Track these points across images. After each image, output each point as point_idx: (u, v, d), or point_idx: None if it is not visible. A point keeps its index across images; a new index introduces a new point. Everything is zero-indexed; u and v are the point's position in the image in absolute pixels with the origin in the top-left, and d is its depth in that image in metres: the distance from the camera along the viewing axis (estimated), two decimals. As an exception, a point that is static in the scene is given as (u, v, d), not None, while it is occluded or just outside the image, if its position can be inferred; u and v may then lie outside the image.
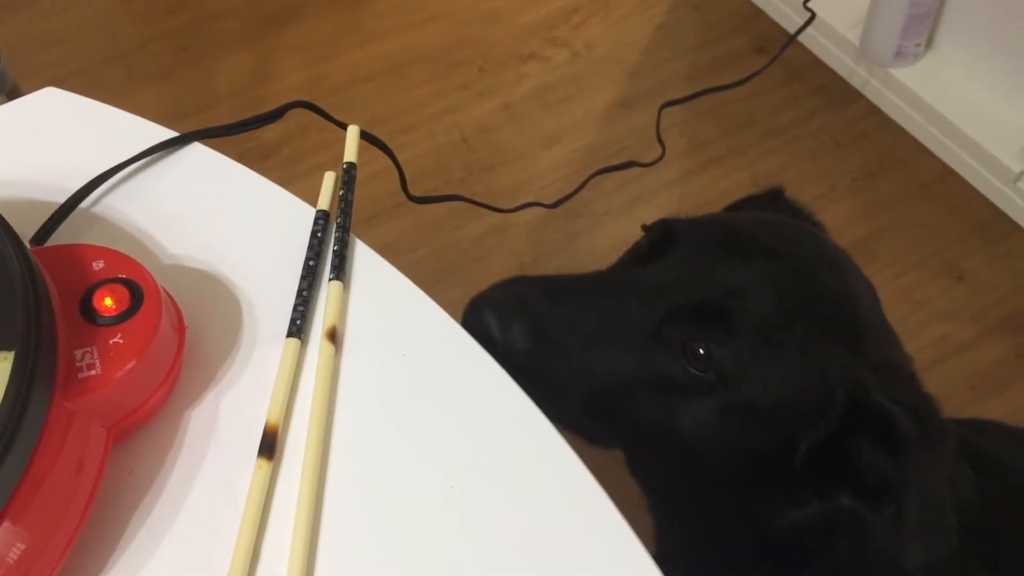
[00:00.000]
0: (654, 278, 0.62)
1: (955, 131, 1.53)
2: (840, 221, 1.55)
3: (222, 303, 0.52)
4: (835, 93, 1.71)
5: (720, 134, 1.66)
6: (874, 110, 1.67)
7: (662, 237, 0.65)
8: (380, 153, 0.66)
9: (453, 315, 0.52)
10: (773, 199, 0.74)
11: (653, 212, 1.55)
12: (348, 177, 0.56)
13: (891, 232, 1.53)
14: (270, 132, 1.57)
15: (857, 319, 0.62)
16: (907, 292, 1.46)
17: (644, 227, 0.69)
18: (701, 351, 0.58)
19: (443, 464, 0.46)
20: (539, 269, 1.50)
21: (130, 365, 0.44)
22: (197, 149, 0.59)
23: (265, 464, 0.45)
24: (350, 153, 0.57)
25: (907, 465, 0.56)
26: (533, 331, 0.59)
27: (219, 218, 0.55)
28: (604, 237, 1.53)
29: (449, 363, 0.50)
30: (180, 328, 0.49)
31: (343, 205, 0.55)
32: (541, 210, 1.53)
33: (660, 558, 0.43)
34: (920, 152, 1.61)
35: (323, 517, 0.44)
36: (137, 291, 0.46)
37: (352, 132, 0.58)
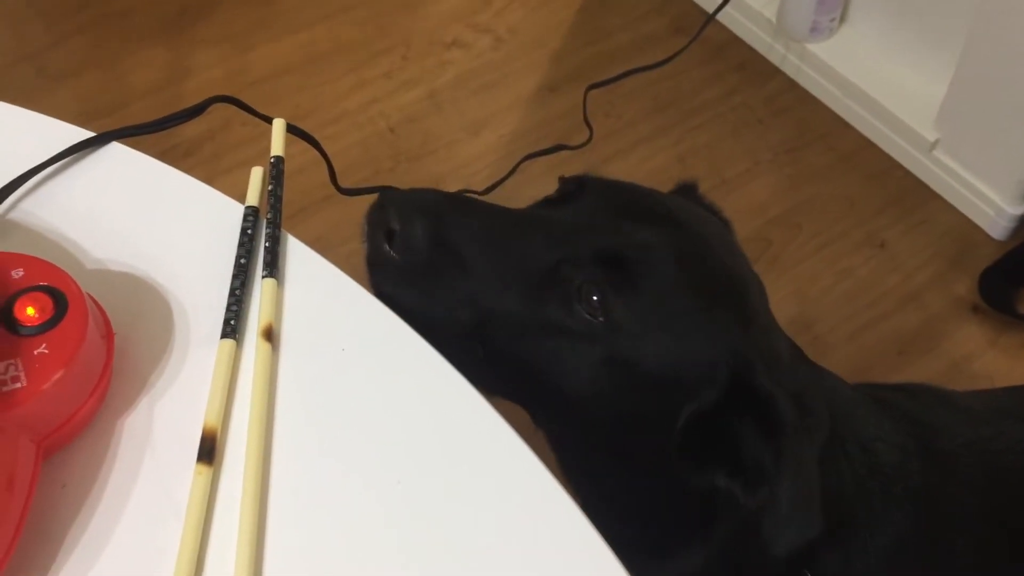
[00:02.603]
0: (562, 219, 0.63)
1: (871, 103, 1.57)
2: (764, 195, 1.58)
3: (151, 306, 0.50)
4: (755, 69, 1.73)
5: (645, 114, 1.67)
6: (793, 85, 1.70)
7: (575, 187, 0.66)
8: (307, 146, 0.65)
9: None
10: (685, 194, 0.75)
11: (583, 194, 1.55)
12: (276, 171, 0.55)
13: (814, 204, 1.56)
14: (192, 129, 1.53)
15: (747, 302, 0.63)
16: (832, 262, 1.49)
17: (560, 178, 0.69)
18: (595, 296, 0.59)
19: (388, 460, 0.46)
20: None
21: (57, 376, 0.43)
22: (116, 149, 0.57)
23: (205, 470, 0.44)
24: (277, 147, 0.56)
25: (784, 451, 0.57)
26: (433, 237, 0.59)
27: (143, 219, 0.54)
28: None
29: (390, 356, 0.49)
30: (108, 335, 0.47)
31: (272, 200, 0.53)
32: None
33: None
34: (839, 125, 1.65)
35: (268, 521, 0.43)
36: (60, 298, 0.45)
37: (278, 125, 0.57)
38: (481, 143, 1.64)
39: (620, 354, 0.59)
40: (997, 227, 1.46)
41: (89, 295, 0.46)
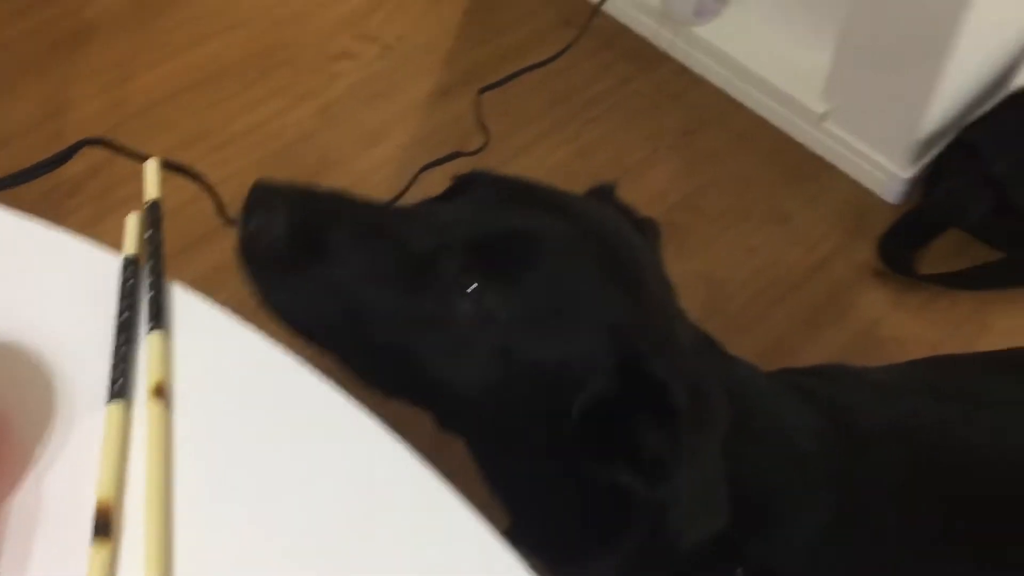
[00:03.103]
0: (442, 211, 0.61)
1: (760, 81, 1.59)
2: (666, 180, 1.59)
3: (30, 374, 0.47)
4: (645, 57, 1.74)
5: (541, 110, 1.66)
6: (683, 69, 1.72)
7: (462, 183, 0.65)
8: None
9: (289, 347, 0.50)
10: (601, 197, 0.74)
11: (487, 197, 1.54)
12: (154, 216, 0.52)
13: (715, 186, 1.58)
14: (73, 166, 1.47)
15: (641, 290, 0.62)
16: (738, 241, 1.51)
17: (453, 177, 0.68)
18: (473, 286, 0.57)
19: (300, 515, 0.43)
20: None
21: (-72, 465, 0.40)
22: (-25, 208, 0.53)
23: (102, 547, 0.41)
24: (151, 190, 0.53)
25: (681, 442, 0.56)
26: (298, 226, 0.56)
27: (12, 280, 0.50)
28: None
29: (293, 403, 0.47)
30: (-17, 413, 0.44)
31: (152, 247, 0.51)
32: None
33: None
34: (730, 105, 1.67)
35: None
36: (-76, 381, 0.41)
37: (151, 167, 0.54)
38: (378, 155, 1.61)
39: (503, 345, 0.58)
40: (891, 191, 1.50)
41: (-43, 373, 0.43)
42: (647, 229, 0.74)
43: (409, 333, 0.58)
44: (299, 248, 0.56)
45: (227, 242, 1.43)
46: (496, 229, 0.59)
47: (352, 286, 0.57)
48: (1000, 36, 1.40)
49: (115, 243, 0.52)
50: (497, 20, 1.80)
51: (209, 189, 0.66)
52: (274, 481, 0.44)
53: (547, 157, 1.61)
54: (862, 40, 1.40)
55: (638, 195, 1.56)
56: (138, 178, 1.55)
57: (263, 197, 0.56)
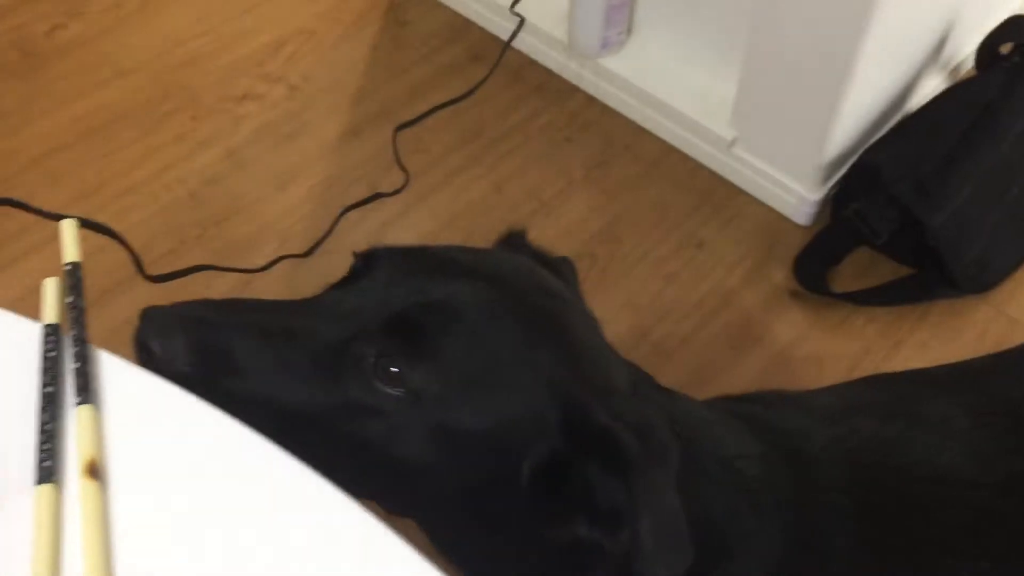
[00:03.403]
0: (346, 297, 0.59)
1: (668, 109, 1.62)
2: (582, 211, 1.59)
3: (-56, 461, 0.43)
4: (554, 89, 1.75)
5: (454, 146, 1.65)
6: (592, 100, 1.73)
7: (363, 263, 0.63)
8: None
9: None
10: (513, 243, 0.73)
11: (403, 235, 1.52)
12: (74, 279, 0.48)
13: (630, 214, 1.59)
14: (-39, 224, 1.39)
15: (571, 340, 0.61)
16: (656, 268, 1.52)
17: (354, 253, 0.66)
18: (392, 369, 0.56)
19: (256, 589, 0.40)
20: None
21: None
22: None
23: (39, 648, 0.38)
24: (70, 252, 0.49)
25: (635, 486, 0.55)
26: (199, 350, 0.54)
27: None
28: (360, 270, 1.48)
29: (241, 470, 0.44)
30: None
31: (75, 313, 0.47)
32: (287, 261, 1.46)
33: None
34: (641, 134, 1.69)
35: None
36: None
37: (68, 228, 0.50)
38: (290, 197, 1.57)
39: (435, 423, 0.56)
40: (801, 214, 1.53)
41: None
42: (563, 269, 0.74)
43: (341, 427, 0.57)
44: (208, 368, 0.54)
45: (134, 294, 1.38)
46: (407, 305, 0.57)
47: (271, 392, 0.56)
48: (897, 59, 1.46)
49: (10, 304, 0.48)
50: (404, 57, 1.79)
51: (126, 246, 0.63)
52: (230, 560, 0.41)
53: (463, 191, 1.60)
54: (764, 66, 1.44)
55: (556, 228, 1.58)
56: (33, 231, 1.47)
57: (158, 325, 0.54)
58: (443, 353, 0.56)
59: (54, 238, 0.50)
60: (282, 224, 1.53)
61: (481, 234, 1.54)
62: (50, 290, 0.48)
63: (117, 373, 0.46)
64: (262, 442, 0.45)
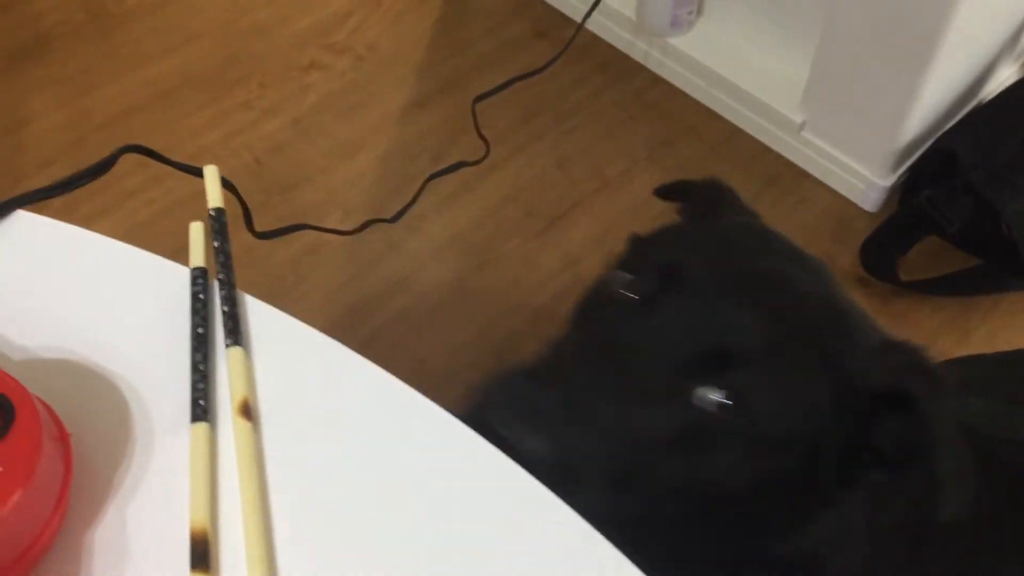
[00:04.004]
0: (661, 330, 0.59)
1: (736, 90, 1.60)
2: (646, 191, 1.57)
3: (103, 396, 0.43)
4: (619, 68, 1.74)
5: (518, 122, 1.65)
6: (658, 80, 1.72)
7: (660, 277, 0.62)
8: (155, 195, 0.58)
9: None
10: (716, 191, 0.73)
11: (467, 209, 1.52)
12: (219, 224, 0.49)
13: (695, 195, 1.58)
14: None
15: (841, 315, 0.63)
16: (720, 250, 1.51)
17: (633, 236, 0.70)
18: (724, 398, 0.57)
19: (404, 528, 0.41)
20: (361, 284, 1.44)
21: (16, 497, 0.36)
22: (22, 219, 0.49)
23: (206, 579, 0.38)
24: (214, 198, 0.50)
25: (930, 423, 0.57)
26: (552, 441, 0.55)
27: (74, 295, 0.47)
28: (422, 241, 1.49)
29: (383, 412, 0.44)
30: (63, 437, 0.40)
31: (222, 258, 0.47)
32: (350, 224, 1.46)
33: None
34: (707, 115, 1.67)
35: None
36: (5, 405, 0.38)
37: (211, 174, 0.51)
38: (355, 166, 1.58)
39: (763, 438, 0.59)
40: (869, 200, 1.52)
41: (35, 395, 0.39)
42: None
43: (671, 460, 0.58)
44: (560, 442, 0.56)
45: (251, 254, 1.40)
46: (725, 334, 0.58)
47: (613, 453, 0.58)
48: (978, 43, 1.43)
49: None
50: (469, 30, 1.78)
51: (240, 199, 0.63)
52: (376, 503, 0.42)
53: (525, 169, 1.59)
54: (840, 49, 1.42)
55: (620, 207, 1.57)
56: (151, 191, 1.46)
57: (507, 419, 0.55)
58: (760, 371, 0.58)
59: (157, 199, 0.50)
60: (346, 193, 1.53)
61: (543, 210, 1.54)
62: (196, 234, 0.49)
63: (260, 316, 0.47)
64: (404, 388, 0.45)
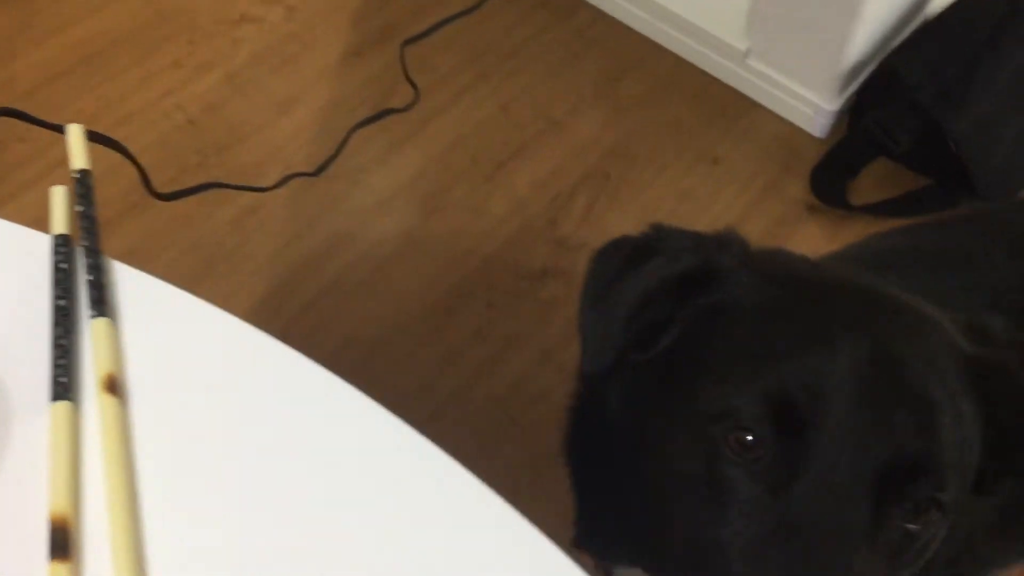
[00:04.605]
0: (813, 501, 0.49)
1: (679, 21, 1.57)
2: (593, 129, 1.55)
3: (-46, 380, 0.40)
4: (558, 5, 1.69)
5: (461, 65, 1.60)
6: (600, 15, 1.68)
7: (781, 424, 0.50)
8: (98, 153, 0.55)
9: (242, 314, 0.44)
10: (728, 244, 0.60)
11: (410, 159, 1.48)
12: (84, 188, 0.45)
13: (644, 131, 1.55)
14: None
15: (949, 342, 0.55)
16: (671, 185, 1.49)
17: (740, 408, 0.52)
18: (922, 522, 0.50)
19: (284, 503, 0.38)
20: (305, 243, 1.40)
21: None
22: None
23: (61, 568, 0.36)
24: (78, 159, 0.46)
25: None
26: None
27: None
28: (366, 195, 1.45)
29: (264, 378, 0.42)
30: (-97, 427, 0.37)
31: (86, 223, 0.44)
32: (295, 182, 1.42)
33: None
34: (651, 48, 1.64)
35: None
36: None
37: (75, 133, 0.47)
38: (294, 122, 1.53)
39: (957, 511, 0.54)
40: (818, 125, 1.49)
41: None
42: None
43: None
44: None
45: (135, 226, 1.36)
46: (895, 450, 0.50)
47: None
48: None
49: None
50: (404, -26, 1.73)
51: (133, 160, 0.59)
52: (252, 467, 0.39)
53: (472, 111, 1.56)
54: (781, -27, 1.38)
55: (567, 147, 1.54)
56: (32, 164, 1.43)
57: None
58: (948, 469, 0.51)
59: (53, 167, 0.47)
60: (287, 150, 1.49)
61: (489, 155, 1.50)
62: (58, 198, 0.45)
63: (130, 283, 0.44)
64: (282, 349, 0.42)
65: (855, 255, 0.83)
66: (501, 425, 1.28)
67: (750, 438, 0.49)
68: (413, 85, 1.06)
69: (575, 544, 0.71)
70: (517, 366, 1.33)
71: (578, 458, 0.67)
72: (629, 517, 0.62)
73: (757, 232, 1.44)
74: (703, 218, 1.45)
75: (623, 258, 0.57)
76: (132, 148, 1.44)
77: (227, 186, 0.72)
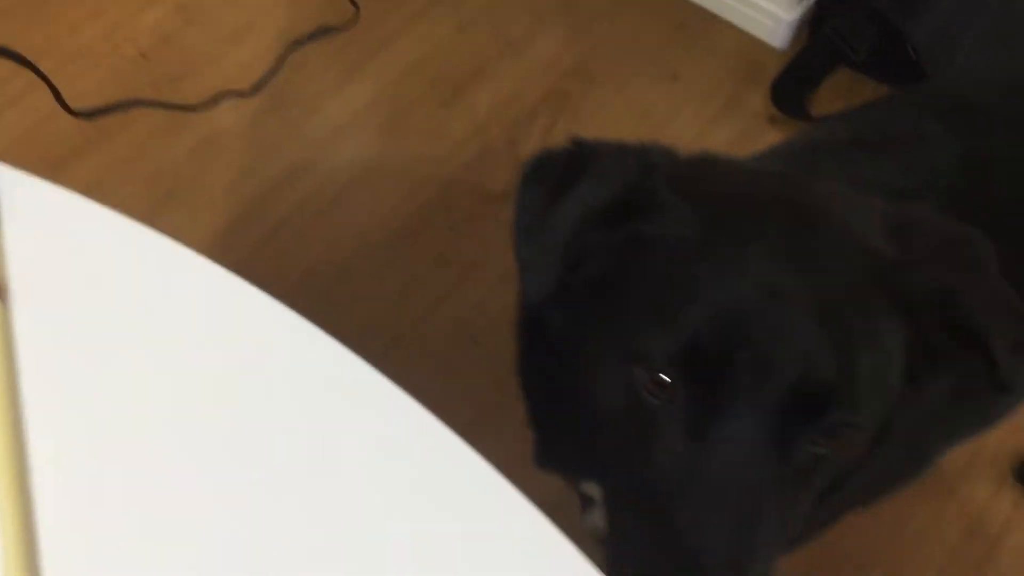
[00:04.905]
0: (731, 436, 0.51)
1: (638, -65, 1.54)
2: (553, 49, 1.53)
3: None
4: (516, -79, 1.66)
5: (414, -13, 1.57)
6: (558, -69, 1.64)
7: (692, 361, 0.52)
8: (45, 89, 0.54)
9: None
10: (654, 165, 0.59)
11: (367, 83, 1.46)
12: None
13: (602, 48, 1.53)
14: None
15: (869, 253, 0.55)
16: (631, 103, 1.47)
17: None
18: (828, 448, 0.52)
19: (181, 421, 0.38)
20: (263, 172, 1.39)
21: None
22: None
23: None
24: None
25: (977, 306, 0.53)
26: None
27: None
28: (324, 120, 1.43)
29: (153, 276, 0.41)
30: None
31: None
32: (250, 110, 1.40)
33: None
34: (611, -37, 1.61)
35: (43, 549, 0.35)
36: None
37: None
38: (247, 51, 1.50)
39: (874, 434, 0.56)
40: (778, 36, 1.47)
41: None
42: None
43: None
44: None
45: (91, 160, 1.34)
46: (804, 372, 0.51)
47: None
48: None
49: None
50: None
51: (41, 75, 0.58)
52: (146, 380, 0.39)
53: (428, 36, 1.53)
54: None
55: (526, 69, 1.52)
56: None
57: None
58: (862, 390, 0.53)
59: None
60: (243, 80, 1.46)
61: (446, 78, 1.48)
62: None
63: (12, 181, 0.43)
64: (186, 249, 0.42)
65: (795, 150, 0.82)
66: (463, 347, 1.29)
67: (667, 379, 0.51)
68: (352, 2, 1.04)
69: (536, 462, 0.72)
70: (480, 288, 1.33)
71: (530, 379, 0.68)
72: (579, 437, 0.62)
73: (719, 146, 1.42)
74: (664, 134, 1.44)
75: (550, 186, 0.57)
76: (84, 85, 1.44)
77: (149, 103, 0.70)
